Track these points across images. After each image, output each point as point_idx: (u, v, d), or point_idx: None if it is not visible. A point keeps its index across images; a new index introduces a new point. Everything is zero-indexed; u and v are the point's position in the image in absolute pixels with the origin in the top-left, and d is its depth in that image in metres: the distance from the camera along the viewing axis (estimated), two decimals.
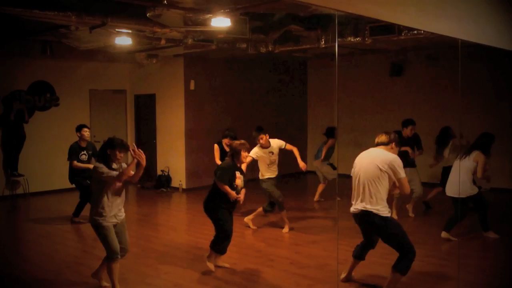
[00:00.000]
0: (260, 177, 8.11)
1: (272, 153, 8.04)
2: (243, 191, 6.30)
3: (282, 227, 8.11)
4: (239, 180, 6.17)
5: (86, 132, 8.72)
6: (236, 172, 6.17)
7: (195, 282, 5.82)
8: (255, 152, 7.99)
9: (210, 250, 6.16)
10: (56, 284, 5.81)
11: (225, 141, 8.89)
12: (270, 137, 8.10)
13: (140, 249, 7.18)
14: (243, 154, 6.16)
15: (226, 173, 6.06)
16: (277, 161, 8.14)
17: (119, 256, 5.27)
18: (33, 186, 11.15)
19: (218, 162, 8.58)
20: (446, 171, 8.37)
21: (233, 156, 6.19)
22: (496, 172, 11.03)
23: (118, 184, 5.25)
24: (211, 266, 6.09)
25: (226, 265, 6.25)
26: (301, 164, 8.02)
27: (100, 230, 5.22)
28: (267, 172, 8.07)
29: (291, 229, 8.09)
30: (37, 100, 11.47)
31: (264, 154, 8.00)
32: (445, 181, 7.95)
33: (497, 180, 11.01)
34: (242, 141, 6.29)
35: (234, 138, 8.53)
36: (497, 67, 10.87)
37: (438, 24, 4.76)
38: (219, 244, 6.13)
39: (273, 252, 6.96)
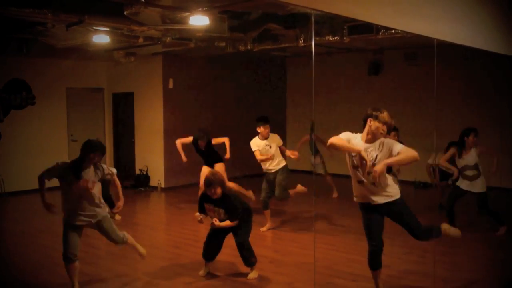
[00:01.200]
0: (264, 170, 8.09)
1: (270, 146, 7.94)
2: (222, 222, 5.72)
3: (262, 226, 8.11)
4: (212, 213, 5.77)
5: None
6: (208, 204, 5.77)
7: (174, 281, 5.80)
8: (255, 143, 7.96)
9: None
10: (32, 285, 5.75)
11: (201, 143, 9.05)
12: (253, 137, 8.10)
13: (117, 248, 7.11)
14: (210, 190, 5.63)
15: (200, 200, 5.92)
16: (276, 156, 7.99)
17: (72, 260, 5.24)
18: (9, 185, 11.00)
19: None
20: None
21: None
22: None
23: (78, 189, 5.17)
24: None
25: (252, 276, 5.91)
26: (289, 152, 8.06)
27: (63, 230, 5.30)
28: (265, 165, 7.99)
29: (270, 228, 8.10)
30: (12, 98, 11.30)
31: (262, 147, 7.93)
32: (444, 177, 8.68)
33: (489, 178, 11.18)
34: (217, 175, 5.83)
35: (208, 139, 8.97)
36: (475, 67, 11.01)
37: (414, 23, 4.81)
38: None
39: None
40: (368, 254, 5.02)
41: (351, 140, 4.79)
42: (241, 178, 12.33)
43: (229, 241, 5.93)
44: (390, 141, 4.80)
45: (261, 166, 8.12)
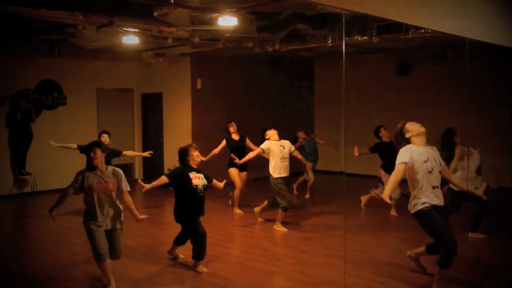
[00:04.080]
0: (273, 174, 7.92)
1: (284, 147, 7.98)
2: (219, 183, 6.48)
3: (292, 226, 8.09)
4: (198, 180, 6.06)
5: (103, 138, 8.79)
6: (192, 173, 6.10)
7: (201, 280, 5.82)
8: (266, 144, 8.01)
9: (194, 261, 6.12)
10: (62, 281, 5.82)
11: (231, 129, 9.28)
12: (281, 138, 8.16)
13: (147, 248, 7.20)
14: (192, 153, 6.17)
15: (175, 175, 6.18)
16: (288, 161, 8.05)
17: (104, 258, 5.26)
18: (40, 184, 11.20)
19: (215, 152, 9.19)
20: None
21: (182, 158, 6.21)
22: (503, 171, 11.01)
23: (101, 195, 5.25)
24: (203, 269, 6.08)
25: (205, 269, 6.07)
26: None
27: (87, 231, 5.30)
28: (280, 169, 7.89)
29: (295, 226, 8.08)
30: (44, 99, 11.51)
31: (275, 146, 7.95)
32: None
33: (504, 179, 11.01)
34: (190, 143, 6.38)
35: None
36: (506, 66, 10.81)
37: (445, 23, 4.75)
38: (199, 250, 6.07)
39: (280, 252, 6.96)
40: (447, 255, 4.96)
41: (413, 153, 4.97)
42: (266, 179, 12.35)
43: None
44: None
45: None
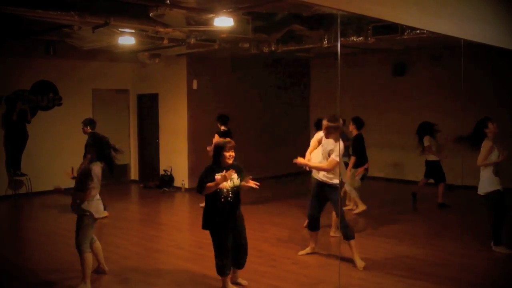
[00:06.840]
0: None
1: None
2: (251, 182, 5.36)
3: (287, 227, 8.09)
4: (229, 175, 5.10)
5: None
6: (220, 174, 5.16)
7: (198, 282, 5.82)
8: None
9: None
10: (59, 284, 5.81)
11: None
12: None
13: (142, 248, 7.19)
14: (226, 154, 5.21)
15: (205, 179, 5.19)
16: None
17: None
18: (36, 185, 11.16)
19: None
20: (430, 164, 9.60)
21: (216, 156, 5.28)
22: (507, 172, 11.01)
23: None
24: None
25: (244, 282, 5.67)
26: None
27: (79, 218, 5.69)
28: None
29: (290, 227, 8.08)
30: (40, 99, 11.48)
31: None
32: (430, 174, 9.49)
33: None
34: (227, 139, 5.43)
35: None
36: (501, 67, 10.83)
37: (440, 23, 4.76)
38: (217, 263, 5.42)
39: (275, 252, 6.95)
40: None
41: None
42: (267, 179, 12.33)
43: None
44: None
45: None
